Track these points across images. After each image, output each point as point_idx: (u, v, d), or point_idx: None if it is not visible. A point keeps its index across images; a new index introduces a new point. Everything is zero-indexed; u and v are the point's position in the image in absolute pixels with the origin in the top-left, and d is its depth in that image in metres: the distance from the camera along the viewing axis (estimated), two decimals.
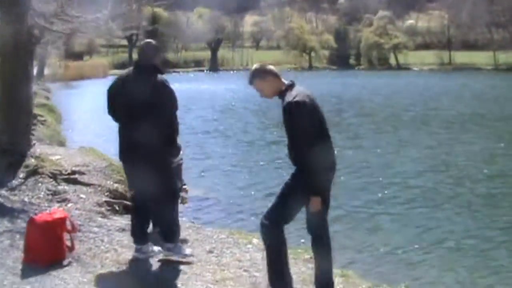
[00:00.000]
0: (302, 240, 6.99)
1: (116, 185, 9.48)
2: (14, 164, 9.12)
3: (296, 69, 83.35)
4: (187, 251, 6.43)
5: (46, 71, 52.91)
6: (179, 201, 7.31)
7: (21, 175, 8.92)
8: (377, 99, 37.31)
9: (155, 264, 6.19)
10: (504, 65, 72.86)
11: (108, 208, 8.45)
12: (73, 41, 46.84)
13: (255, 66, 5.40)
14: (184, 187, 7.91)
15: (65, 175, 9.32)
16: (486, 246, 9.53)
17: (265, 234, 5.18)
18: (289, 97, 5.04)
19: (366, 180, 14.28)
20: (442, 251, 9.35)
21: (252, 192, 12.99)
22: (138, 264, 6.17)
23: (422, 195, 12.74)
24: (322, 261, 5.26)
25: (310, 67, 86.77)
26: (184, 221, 7.40)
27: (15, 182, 8.61)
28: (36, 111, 18.18)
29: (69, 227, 6.15)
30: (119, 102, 6.11)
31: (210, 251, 6.78)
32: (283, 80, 5.26)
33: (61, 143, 16.98)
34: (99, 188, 9.23)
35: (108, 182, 9.68)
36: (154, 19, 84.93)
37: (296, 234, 7.22)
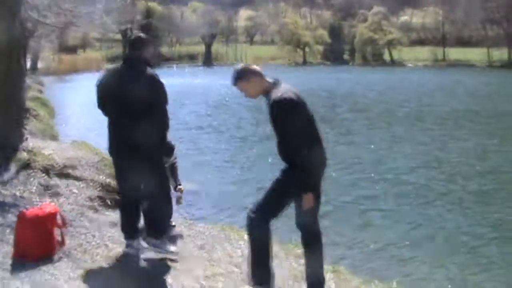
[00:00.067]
0: (293, 236, 6.98)
1: (108, 179, 9.43)
2: (6, 158, 9.08)
3: (290, 64, 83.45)
4: (172, 248, 6.36)
5: (40, 65, 52.90)
6: (175, 201, 7.31)
7: (13, 169, 8.88)
8: (371, 95, 37.34)
9: (145, 259, 6.18)
10: (498, 62, 73.12)
11: (101, 202, 8.44)
12: (67, 34, 46.76)
13: (238, 66, 5.34)
14: (179, 187, 7.90)
15: (58, 169, 9.29)
16: (477, 243, 9.57)
17: (251, 227, 5.13)
18: (275, 94, 5.00)
19: (357, 176, 14.30)
20: (433, 247, 9.38)
21: (245, 188, 12.99)
22: (128, 259, 6.14)
23: (414, 191, 12.77)
24: (314, 257, 5.23)
25: (304, 63, 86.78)
26: (175, 216, 7.37)
27: (6, 176, 8.57)
28: (29, 105, 18.15)
29: (59, 222, 6.12)
30: (109, 96, 6.06)
31: (202, 247, 6.78)
32: (267, 79, 5.22)
33: (54, 137, 16.94)
34: (91, 183, 9.20)
35: (101, 176, 9.65)
36: (148, 13, 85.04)
37: (287, 229, 7.20)
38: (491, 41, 76.85)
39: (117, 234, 6.72)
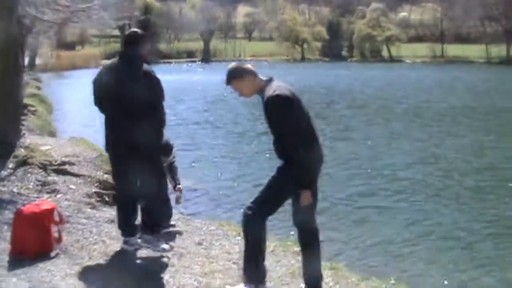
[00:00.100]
0: (292, 232, 6.98)
1: (106, 175, 9.44)
2: (3, 154, 9.09)
3: (289, 60, 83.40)
4: (165, 246, 6.31)
5: (38, 61, 52.79)
6: (174, 200, 7.32)
7: (11, 165, 8.90)
8: (369, 91, 37.32)
9: (143, 256, 6.18)
10: (496, 58, 73.13)
11: (98, 199, 8.43)
12: (65, 31, 46.71)
13: (231, 66, 5.27)
14: (178, 186, 7.90)
15: (55, 165, 9.30)
16: (474, 239, 9.58)
17: (246, 224, 5.07)
18: (269, 92, 4.97)
19: (355, 172, 14.31)
20: (430, 243, 9.39)
21: (242, 183, 12.99)
22: (126, 256, 6.14)
23: (411, 187, 12.78)
24: (311, 255, 5.20)
25: (303, 59, 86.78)
26: (173, 212, 7.38)
27: (4, 173, 8.58)
28: (27, 101, 18.19)
29: (57, 218, 6.11)
30: (105, 93, 6.02)
31: (199, 243, 6.76)
32: (260, 76, 5.18)
33: (52, 133, 16.95)
34: (89, 179, 9.21)
35: (98, 172, 9.67)
36: (147, 9, 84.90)
37: (285, 226, 7.21)
38: (489, 38, 76.85)
39: (114, 230, 6.71)
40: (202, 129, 21.99)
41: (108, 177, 9.30)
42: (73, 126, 20.52)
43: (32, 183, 8.36)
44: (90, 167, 9.88)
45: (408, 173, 14.12)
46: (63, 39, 62.09)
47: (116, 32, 77.94)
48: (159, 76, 6.09)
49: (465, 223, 10.37)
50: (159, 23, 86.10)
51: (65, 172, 9.17)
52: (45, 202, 6.63)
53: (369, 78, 49.12)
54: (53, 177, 8.80)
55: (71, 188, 8.48)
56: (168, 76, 43.18)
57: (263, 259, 5.17)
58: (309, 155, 4.90)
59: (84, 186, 8.74)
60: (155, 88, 5.98)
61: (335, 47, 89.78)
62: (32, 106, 19.57)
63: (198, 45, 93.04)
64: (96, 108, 6.28)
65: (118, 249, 6.28)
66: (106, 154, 9.64)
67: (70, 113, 25.13)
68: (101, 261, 5.95)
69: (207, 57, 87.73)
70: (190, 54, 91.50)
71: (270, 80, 5.14)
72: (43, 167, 9.01)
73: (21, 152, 9.35)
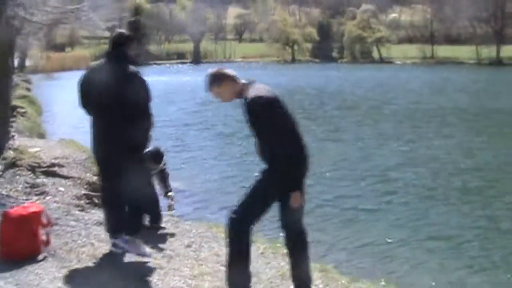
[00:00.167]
0: (281, 234, 6.98)
1: (95, 177, 9.41)
2: None
3: (279, 62, 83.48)
4: (146, 250, 6.26)
5: (28, 63, 52.65)
6: (166, 207, 7.31)
7: None
8: (359, 92, 37.40)
9: (132, 259, 6.15)
10: (486, 60, 73.37)
11: (87, 201, 8.41)
12: (55, 32, 46.56)
13: (210, 72, 5.22)
14: (169, 194, 7.89)
15: (44, 167, 9.29)
16: (462, 239, 9.63)
17: (232, 229, 4.95)
18: (249, 94, 4.90)
19: (343, 173, 14.34)
20: (419, 244, 9.42)
21: (231, 185, 12.99)
22: (114, 258, 6.11)
23: (399, 188, 12.81)
24: (300, 257, 5.15)
25: (293, 60, 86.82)
26: (162, 214, 7.38)
27: None
28: (16, 102, 18.12)
29: (44, 221, 6.07)
30: (90, 94, 5.97)
31: (189, 245, 6.75)
32: (240, 81, 5.11)
33: (41, 135, 16.91)
34: (78, 181, 9.20)
35: (88, 174, 9.66)
36: (137, 11, 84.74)
37: (275, 227, 7.20)
38: (479, 39, 77.05)
39: (103, 232, 6.67)
40: (192, 130, 21.97)
41: (98, 179, 9.28)
42: (63, 127, 20.47)
43: (21, 185, 8.34)
44: (80, 169, 9.86)
45: (397, 174, 14.15)
46: (53, 41, 61.89)
47: (107, 34, 77.78)
48: (146, 77, 6.03)
49: (454, 224, 10.41)
50: (149, 24, 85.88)
51: (54, 174, 9.15)
52: (33, 204, 6.59)
53: (359, 79, 49.22)
54: (42, 179, 8.78)
55: (60, 190, 8.46)
56: (158, 77, 43.39)
57: (248, 265, 5.04)
58: (293, 156, 4.86)
59: (73, 188, 8.73)
60: (141, 89, 5.89)
61: (326, 48, 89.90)
62: (22, 107, 19.53)
63: (189, 46, 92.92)
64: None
65: (106, 251, 6.24)
66: None
67: (60, 115, 25.04)
68: (90, 264, 5.92)
69: (197, 58, 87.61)
70: (180, 56, 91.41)
71: (250, 83, 5.08)
72: (32, 169, 9.00)
73: (10, 154, 9.32)
